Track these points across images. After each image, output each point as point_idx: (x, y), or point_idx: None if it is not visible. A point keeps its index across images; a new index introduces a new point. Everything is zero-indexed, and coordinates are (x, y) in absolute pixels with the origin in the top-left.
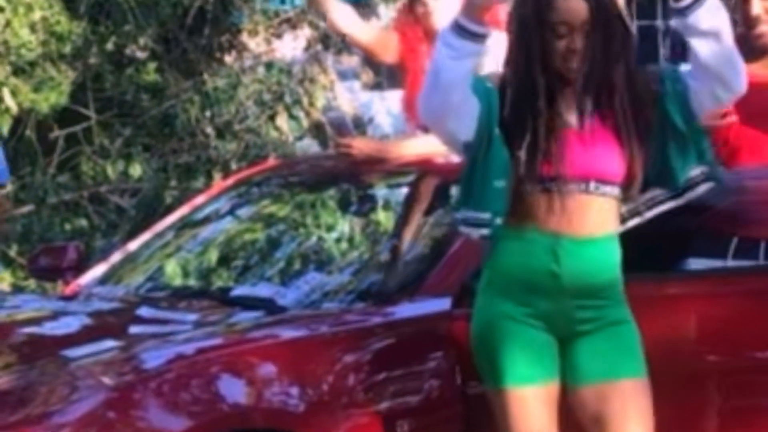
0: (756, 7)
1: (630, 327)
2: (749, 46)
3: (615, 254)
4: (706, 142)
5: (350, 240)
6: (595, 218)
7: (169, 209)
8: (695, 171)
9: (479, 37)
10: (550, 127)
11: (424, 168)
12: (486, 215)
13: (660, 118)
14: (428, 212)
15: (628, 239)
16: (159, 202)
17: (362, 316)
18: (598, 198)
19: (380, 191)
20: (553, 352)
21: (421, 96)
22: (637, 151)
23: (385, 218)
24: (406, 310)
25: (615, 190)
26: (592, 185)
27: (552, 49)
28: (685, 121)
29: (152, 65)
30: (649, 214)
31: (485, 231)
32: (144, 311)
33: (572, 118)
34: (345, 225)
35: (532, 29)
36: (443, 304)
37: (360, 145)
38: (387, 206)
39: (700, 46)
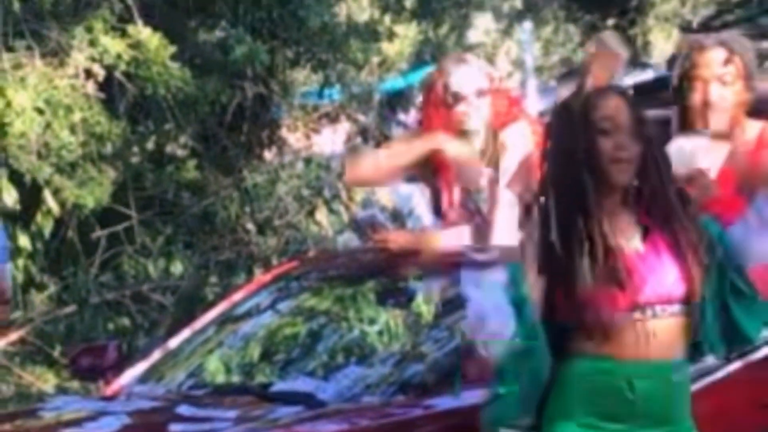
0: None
1: None
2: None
3: (687, 376)
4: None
5: (390, 332)
6: (666, 342)
7: (210, 306)
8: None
9: None
10: (606, 248)
11: (462, 259)
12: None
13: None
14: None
15: None
16: (199, 299)
17: (403, 409)
18: (666, 320)
19: (419, 283)
20: None
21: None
22: (695, 266)
23: (425, 310)
24: (447, 401)
25: (681, 309)
26: (659, 309)
27: (599, 149)
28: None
29: (192, 163)
30: None
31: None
32: (184, 409)
33: (624, 240)
34: (385, 317)
35: (577, 130)
36: (484, 394)
37: (396, 238)
38: (427, 298)
39: None
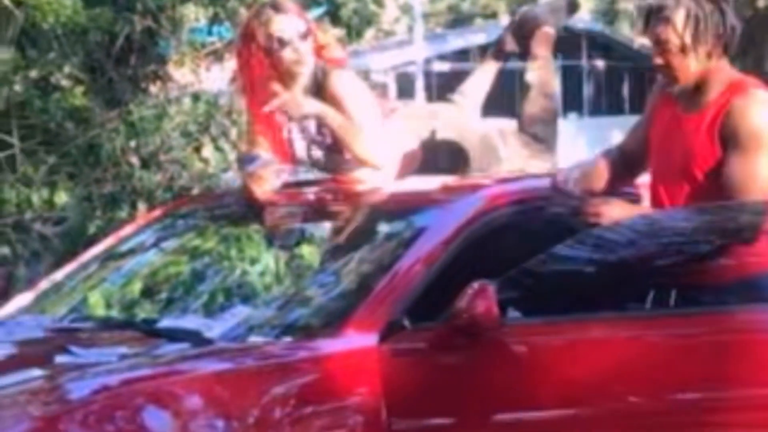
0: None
1: None
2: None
3: None
4: None
5: (276, 274)
6: None
7: (94, 239)
8: None
9: None
10: None
11: (351, 202)
12: None
13: None
14: (355, 247)
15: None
16: (83, 232)
17: (288, 350)
18: None
19: (306, 225)
20: None
21: None
22: None
23: (309, 253)
24: (332, 345)
25: None
26: None
27: None
28: None
29: (79, 89)
30: None
31: None
32: (70, 341)
33: None
34: (270, 258)
35: None
36: (370, 339)
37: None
38: (312, 241)
39: None
